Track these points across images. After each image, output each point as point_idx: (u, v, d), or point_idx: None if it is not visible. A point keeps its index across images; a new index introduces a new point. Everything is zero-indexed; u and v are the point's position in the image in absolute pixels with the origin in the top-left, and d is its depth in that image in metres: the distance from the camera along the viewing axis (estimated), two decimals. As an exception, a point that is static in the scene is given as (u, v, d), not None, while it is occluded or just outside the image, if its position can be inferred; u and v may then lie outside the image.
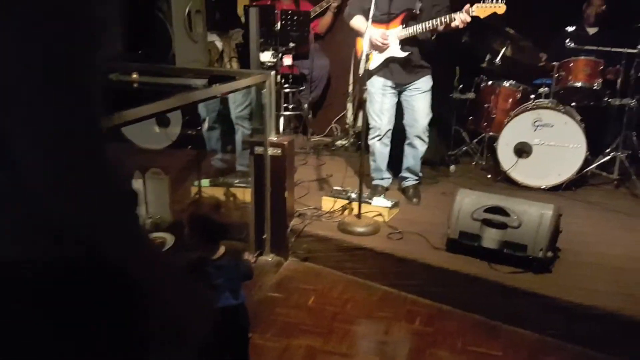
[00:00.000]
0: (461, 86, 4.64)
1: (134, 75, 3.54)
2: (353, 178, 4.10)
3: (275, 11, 4.36)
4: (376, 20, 3.40)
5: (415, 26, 3.31)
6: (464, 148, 4.68)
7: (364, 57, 2.97)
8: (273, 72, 3.06)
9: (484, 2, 3.15)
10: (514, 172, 4.07)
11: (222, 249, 2.01)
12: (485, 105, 4.43)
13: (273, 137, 3.11)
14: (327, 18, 5.16)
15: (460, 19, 3.15)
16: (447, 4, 3.38)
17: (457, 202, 2.93)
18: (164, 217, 2.72)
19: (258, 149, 3.09)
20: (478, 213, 2.85)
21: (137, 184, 2.74)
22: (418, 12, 3.34)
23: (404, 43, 3.40)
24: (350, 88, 5.28)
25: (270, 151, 3.08)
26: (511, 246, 2.75)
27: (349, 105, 5.34)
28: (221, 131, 4.36)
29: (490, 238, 2.82)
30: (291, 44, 4.54)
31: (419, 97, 3.53)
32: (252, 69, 3.65)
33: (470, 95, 4.64)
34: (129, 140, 4.78)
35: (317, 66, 5.06)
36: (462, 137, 4.74)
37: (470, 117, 4.66)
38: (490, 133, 4.39)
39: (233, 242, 3.21)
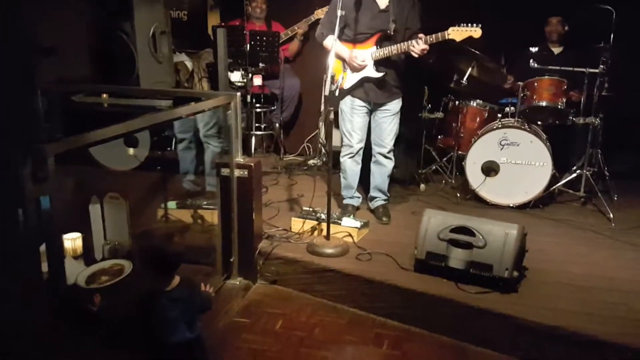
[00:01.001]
0: (429, 106, 4.69)
1: (104, 96, 3.49)
2: (324, 198, 4.07)
3: (245, 32, 4.36)
4: (348, 40, 3.43)
5: (390, 47, 3.33)
6: (434, 167, 4.71)
7: (328, 77, 2.97)
8: (238, 94, 3.04)
9: (459, 25, 3.18)
10: (482, 190, 4.10)
11: (176, 280, 1.95)
12: (453, 124, 4.48)
13: (239, 159, 3.08)
14: (295, 45, 5.20)
15: (417, 50, 3.20)
16: (418, 26, 3.39)
17: (424, 222, 2.93)
18: (122, 243, 2.66)
19: (224, 171, 3.06)
20: (444, 233, 2.85)
21: (94, 208, 2.68)
22: (392, 33, 3.36)
23: (379, 64, 3.42)
24: (322, 107, 5.29)
25: (237, 173, 3.05)
26: (477, 266, 2.75)
27: (321, 125, 5.34)
28: (196, 152, 4.31)
29: (457, 258, 2.81)
30: (261, 64, 4.54)
31: (389, 119, 3.55)
32: (220, 89, 3.64)
33: (439, 114, 4.68)
34: (97, 162, 4.70)
35: (287, 86, 5.07)
36: (431, 156, 4.77)
37: (440, 136, 4.70)
38: (459, 152, 4.43)
39: (200, 266, 3.17)
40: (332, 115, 3.09)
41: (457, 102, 4.54)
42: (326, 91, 3.00)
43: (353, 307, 2.96)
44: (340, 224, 3.41)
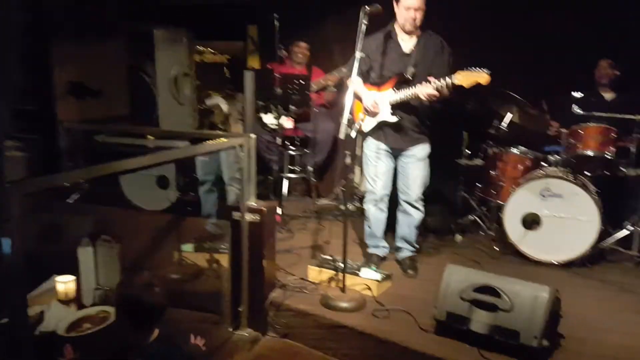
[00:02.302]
0: (469, 152, 4.44)
1: (149, 137, 3.52)
2: (350, 246, 3.88)
3: (275, 75, 4.32)
4: (372, 83, 3.31)
5: (405, 91, 3.18)
6: (472, 217, 4.41)
7: (344, 120, 2.84)
8: (253, 136, 2.95)
9: (467, 69, 2.99)
10: (523, 245, 3.77)
11: (155, 333, 1.81)
12: (493, 172, 4.21)
13: (252, 202, 2.96)
14: (329, 94, 5.13)
15: (424, 93, 3.02)
16: (444, 72, 3.13)
17: (445, 278, 2.68)
18: (114, 289, 2.56)
19: (235, 215, 2.95)
20: (467, 292, 2.58)
21: (84, 251, 2.61)
22: (410, 77, 3.21)
23: (396, 108, 3.27)
24: (358, 151, 5.14)
25: (248, 217, 2.93)
26: (502, 332, 2.45)
27: (357, 170, 5.18)
28: (219, 195, 4.26)
29: (480, 321, 2.52)
30: (292, 107, 4.48)
31: (414, 165, 3.36)
32: (246, 131, 3.56)
33: (478, 161, 4.42)
34: (129, 202, 4.74)
35: (321, 130, 4.98)
36: (470, 205, 4.49)
37: (478, 184, 4.42)
38: (499, 201, 4.13)
39: (208, 314, 3.03)
40: (348, 159, 2.95)
41: (497, 149, 4.27)
42: (341, 134, 2.86)
43: (365, 370, 2.71)
44: (359, 274, 3.19)
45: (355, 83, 3.06)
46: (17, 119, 3.79)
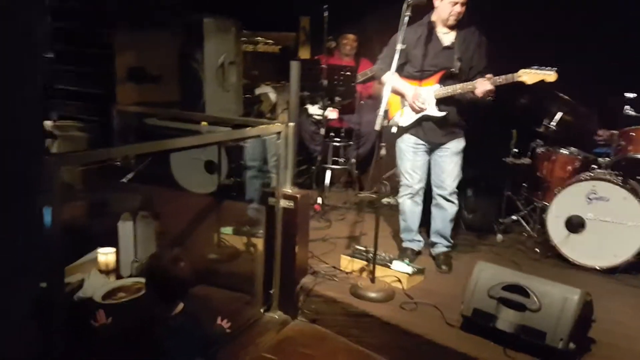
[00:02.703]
0: (516, 150, 4.33)
1: (204, 124, 3.67)
2: (386, 239, 3.91)
3: (322, 66, 4.37)
4: (409, 77, 3.30)
5: (454, 86, 3.16)
6: (515, 217, 4.31)
7: (381, 112, 2.85)
8: (292, 124, 3.02)
9: (532, 68, 2.95)
10: (565, 248, 3.67)
11: (179, 307, 1.90)
12: (540, 172, 4.10)
13: (287, 189, 3.04)
14: (376, 85, 5.11)
15: (482, 90, 3.01)
16: (483, 65, 3.19)
17: (474, 275, 2.66)
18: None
19: (271, 200, 3.03)
20: (495, 290, 2.55)
21: (124, 225, 2.76)
22: (457, 71, 3.19)
23: (441, 102, 3.25)
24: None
25: (283, 203, 3.01)
26: (528, 332, 2.42)
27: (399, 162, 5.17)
28: (263, 181, 4.36)
29: (507, 320, 2.50)
30: (337, 99, 4.52)
31: (448, 159, 3.34)
32: (291, 121, 3.64)
33: (526, 160, 4.31)
34: (177, 183, 4.94)
35: (366, 122, 4.98)
36: (515, 205, 4.39)
37: (524, 184, 4.32)
38: (544, 202, 4.03)
39: (241, 294, 3.15)
40: (383, 151, 2.96)
41: (546, 149, 4.15)
42: (377, 126, 2.87)
43: (387, 359, 2.74)
44: (390, 267, 3.21)
45: (393, 77, 3.07)
46: (80, 101, 4.04)
